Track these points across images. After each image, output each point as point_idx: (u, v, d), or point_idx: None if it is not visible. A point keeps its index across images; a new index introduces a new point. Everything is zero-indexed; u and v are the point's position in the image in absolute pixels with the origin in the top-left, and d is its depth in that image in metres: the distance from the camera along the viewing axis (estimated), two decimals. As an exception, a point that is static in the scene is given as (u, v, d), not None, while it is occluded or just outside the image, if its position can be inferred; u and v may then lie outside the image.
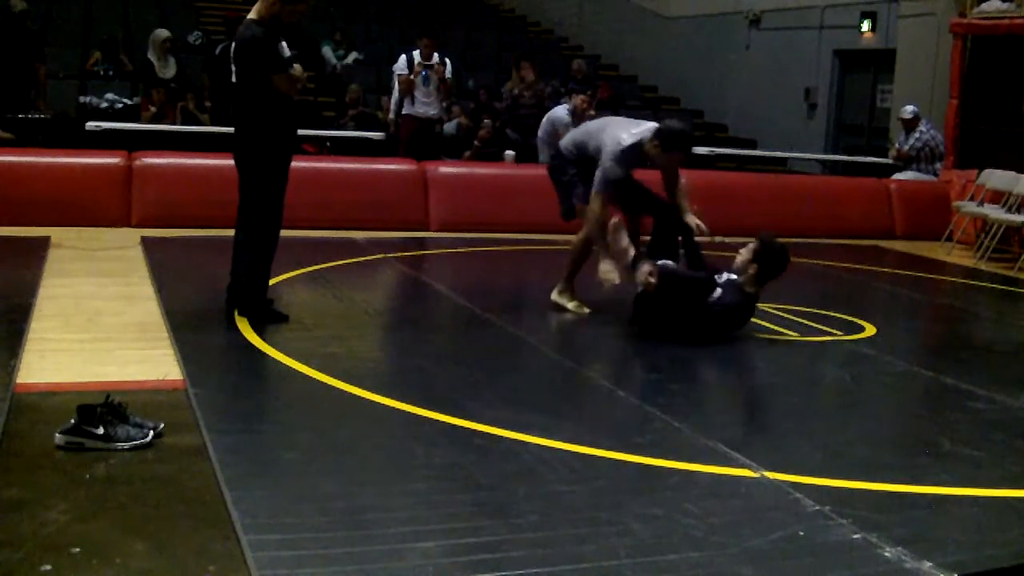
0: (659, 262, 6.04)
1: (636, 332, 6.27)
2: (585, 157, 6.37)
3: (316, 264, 7.62)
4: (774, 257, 5.93)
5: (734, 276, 5.99)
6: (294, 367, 4.95)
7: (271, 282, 6.69)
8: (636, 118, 6.93)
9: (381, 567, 2.98)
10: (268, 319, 5.70)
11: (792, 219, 10.99)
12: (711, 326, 5.95)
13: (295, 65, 5.69)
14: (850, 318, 6.84)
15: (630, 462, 3.92)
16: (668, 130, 6.18)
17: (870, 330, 6.57)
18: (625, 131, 6.23)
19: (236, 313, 5.72)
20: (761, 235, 6.00)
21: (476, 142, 12.27)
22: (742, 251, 5.96)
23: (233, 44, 5.74)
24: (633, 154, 6.15)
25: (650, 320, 6.09)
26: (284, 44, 5.69)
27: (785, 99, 15.61)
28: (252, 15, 5.62)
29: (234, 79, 5.64)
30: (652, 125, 6.28)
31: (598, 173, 6.19)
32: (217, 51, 12.10)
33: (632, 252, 6.06)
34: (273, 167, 5.66)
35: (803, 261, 9.42)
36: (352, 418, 4.37)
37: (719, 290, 5.98)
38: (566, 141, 6.66)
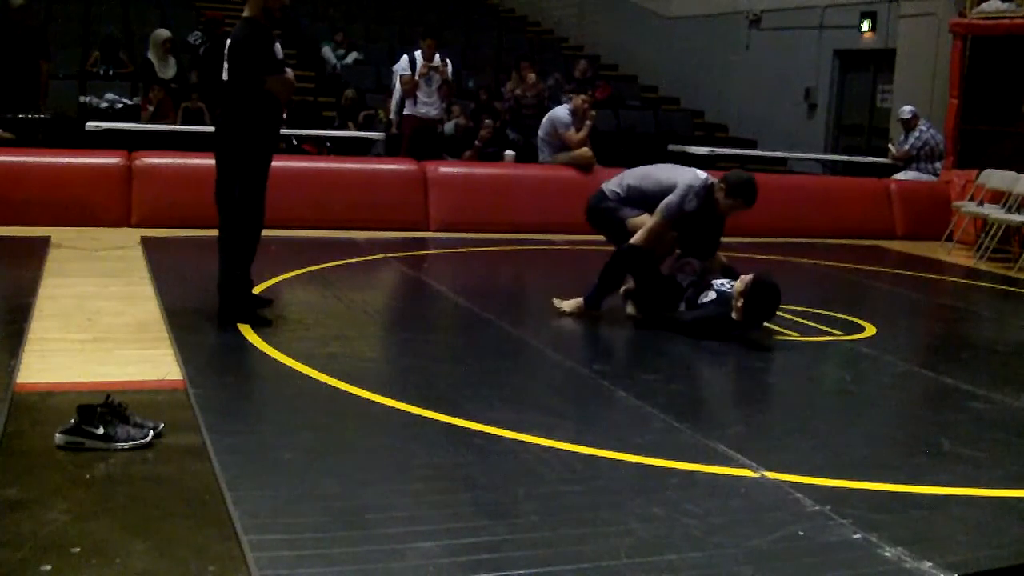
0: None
1: (636, 332, 6.27)
2: (642, 198, 6.41)
3: (316, 264, 7.62)
4: (760, 299, 5.99)
5: (727, 289, 6.12)
6: (294, 367, 4.95)
7: (271, 282, 6.71)
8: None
9: (381, 567, 2.98)
10: (252, 321, 5.65)
11: (792, 219, 11.01)
12: (684, 327, 6.09)
13: (287, 69, 5.68)
14: (850, 318, 6.84)
15: (630, 462, 3.92)
16: (737, 177, 6.40)
17: (870, 330, 6.57)
18: (701, 172, 6.41)
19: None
20: (759, 274, 6.07)
21: (477, 142, 12.28)
22: (742, 279, 6.04)
23: (228, 42, 5.73)
24: (707, 194, 6.29)
25: (642, 297, 6.34)
26: (278, 45, 5.68)
27: (785, 99, 15.61)
28: (246, 13, 5.61)
29: (225, 76, 5.63)
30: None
31: (672, 199, 6.23)
32: (201, 52, 12.11)
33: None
34: (258, 167, 5.64)
35: (803, 261, 9.45)
36: (352, 418, 4.37)
37: (712, 294, 6.14)
38: (611, 186, 6.63)
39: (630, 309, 6.46)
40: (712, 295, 6.15)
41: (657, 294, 6.29)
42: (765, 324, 6.22)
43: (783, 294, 6.11)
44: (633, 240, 6.28)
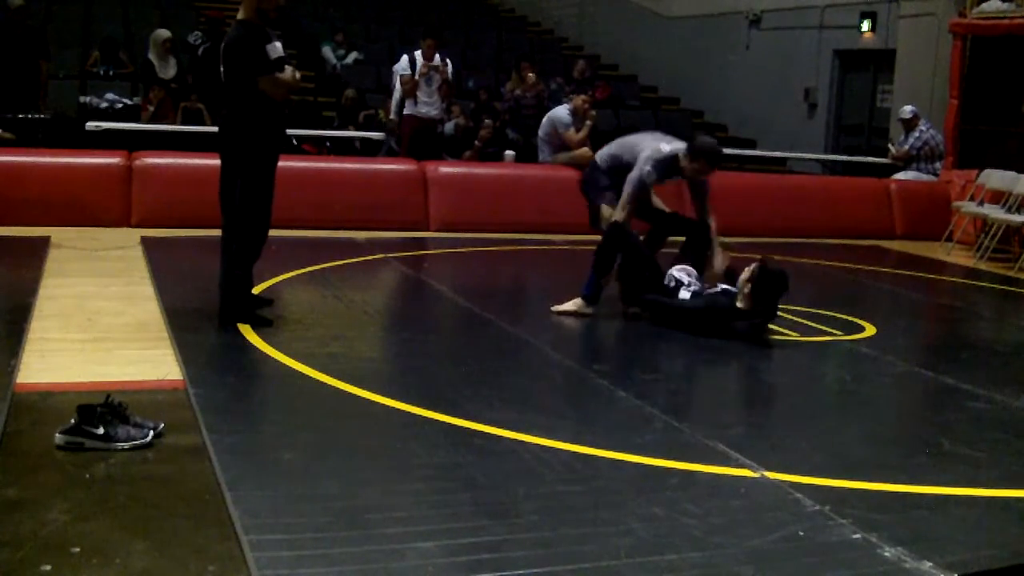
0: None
1: (636, 332, 6.28)
2: (619, 167, 6.69)
3: (316, 264, 7.62)
4: (768, 284, 6.03)
5: (733, 289, 6.15)
6: (294, 367, 4.95)
7: (271, 282, 6.71)
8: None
9: (381, 567, 2.98)
10: (252, 321, 5.65)
11: (792, 219, 11.02)
12: (688, 316, 6.15)
13: (287, 67, 5.67)
14: (850, 318, 6.84)
15: (630, 462, 3.92)
16: (698, 142, 6.62)
17: (870, 330, 6.57)
18: (664, 143, 6.64)
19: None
20: (763, 260, 6.10)
21: (477, 142, 12.28)
22: (748, 267, 6.07)
23: (222, 45, 5.74)
24: (669, 164, 6.51)
25: (633, 296, 6.45)
26: (278, 45, 5.67)
27: (785, 99, 15.61)
28: (240, 15, 5.63)
29: (223, 79, 5.64)
30: (685, 145, 6.64)
31: (633, 174, 6.51)
32: (200, 52, 12.12)
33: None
34: (259, 166, 5.64)
35: (803, 261, 9.44)
36: (352, 418, 4.37)
37: (719, 286, 6.20)
38: (602, 153, 7.00)
39: (632, 308, 6.49)
40: (719, 287, 6.21)
41: (642, 273, 6.34)
42: (766, 324, 6.22)
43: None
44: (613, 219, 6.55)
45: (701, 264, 6.59)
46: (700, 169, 6.50)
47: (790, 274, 6.10)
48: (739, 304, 5.99)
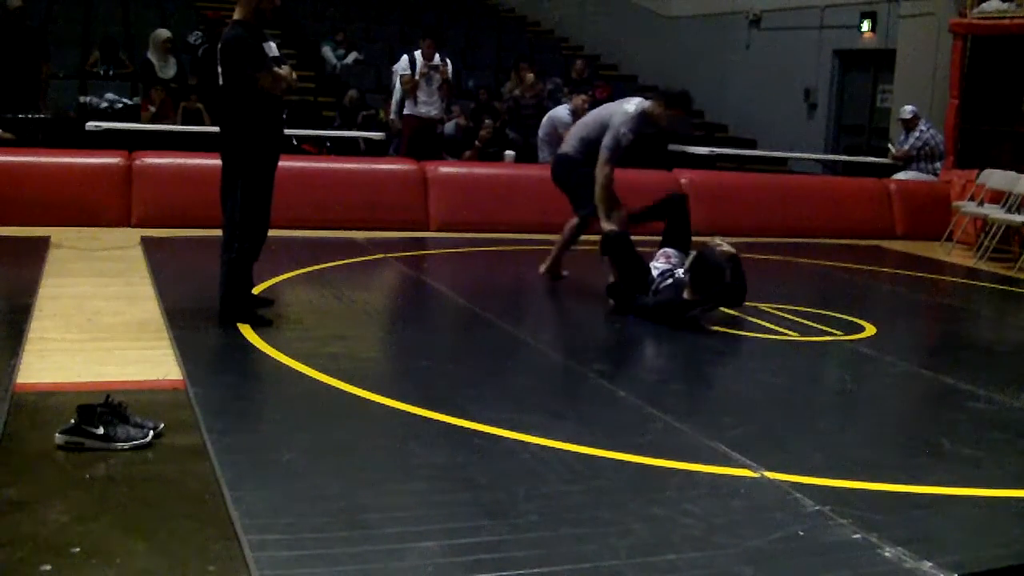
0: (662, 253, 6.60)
1: (636, 332, 6.28)
2: (592, 149, 6.83)
3: (316, 264, 7.62)
4: (702, 274, 6.14)
5: (683, 277, 6.27)
6: (294, 367, 4.95)
7: (271, 282, 6.71)
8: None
9: (381, 567, 2.98)
10: (252, 321, 5.66)
11: (792, 219, 11.02)
12: (648, 313, 6.29)
13: (283, 65, 5.69)
14: (850, 318, 6.84)
15: (630, 462, 3.92)
16: (670, 90, 7.05)
17: (870, 330, 6.57)
18: (626, 104, 6.86)
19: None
20: (700, 250, 6.24)
21: (477, 142, 12.28)
22: (687, 259, 6.29)
23: (218, 45, 5.75)
24: (642, 120, 6.76)
25: (619, 296, 6.54)
26: (273, 45, 5.70)
27: (785, 99, 15.60)
28: (236, 15, 5.64)
29: (221, 80, 5.64)
30: (641, 98, 6.90)
31: (608, 139, 6.68)
32: (200, 52, 12.13)
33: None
34: (259, 167, 5.64)
35: (803, 261, 9.45)
36: (352, 418, 4.37)
37: (670, 280, 6.33)
38: (570, 141, 7.11)
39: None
40: (670, 281, 6.31)
41: (633, 280, 6.41)
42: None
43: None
44: (596, 192, 6.73)
45: (686, 238, 6.69)
46: (678, 115, 6.90)
47: (729, 262, 6.16)
48: (685, 295, 6.12)
